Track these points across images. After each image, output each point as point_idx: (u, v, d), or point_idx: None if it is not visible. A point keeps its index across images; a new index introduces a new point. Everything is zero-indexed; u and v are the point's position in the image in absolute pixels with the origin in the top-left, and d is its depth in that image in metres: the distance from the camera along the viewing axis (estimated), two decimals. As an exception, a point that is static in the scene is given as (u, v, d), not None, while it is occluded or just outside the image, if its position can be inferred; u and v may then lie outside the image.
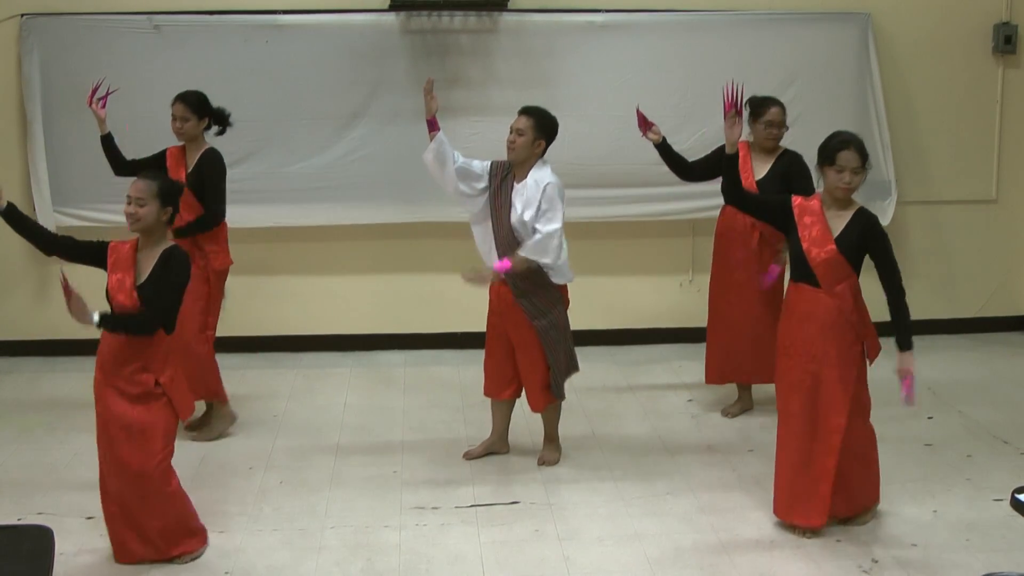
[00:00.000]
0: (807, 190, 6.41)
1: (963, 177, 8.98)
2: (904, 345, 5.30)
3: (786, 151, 6.97)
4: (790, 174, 6.83)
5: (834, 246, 5.28)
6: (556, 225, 5.95)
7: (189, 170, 6.61)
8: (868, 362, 5.48)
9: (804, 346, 5.36)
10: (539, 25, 8.28)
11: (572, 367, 6.43)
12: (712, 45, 8.39)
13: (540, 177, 6.04)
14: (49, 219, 8.08)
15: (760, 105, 6.93)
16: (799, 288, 5.40)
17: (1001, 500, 5.63)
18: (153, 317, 5.04)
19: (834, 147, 5.27)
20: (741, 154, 6.84)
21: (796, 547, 5.33)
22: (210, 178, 6.60)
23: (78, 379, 7.93)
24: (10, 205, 5.17)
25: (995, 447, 6.67)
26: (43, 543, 3.95)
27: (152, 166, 6.43)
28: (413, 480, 6.21)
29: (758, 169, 6.92)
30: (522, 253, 5.97)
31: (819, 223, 5.31)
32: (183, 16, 8.09)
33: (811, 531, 5.44)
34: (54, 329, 8.49)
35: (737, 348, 7.11)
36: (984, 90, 8.87)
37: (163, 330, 5.08)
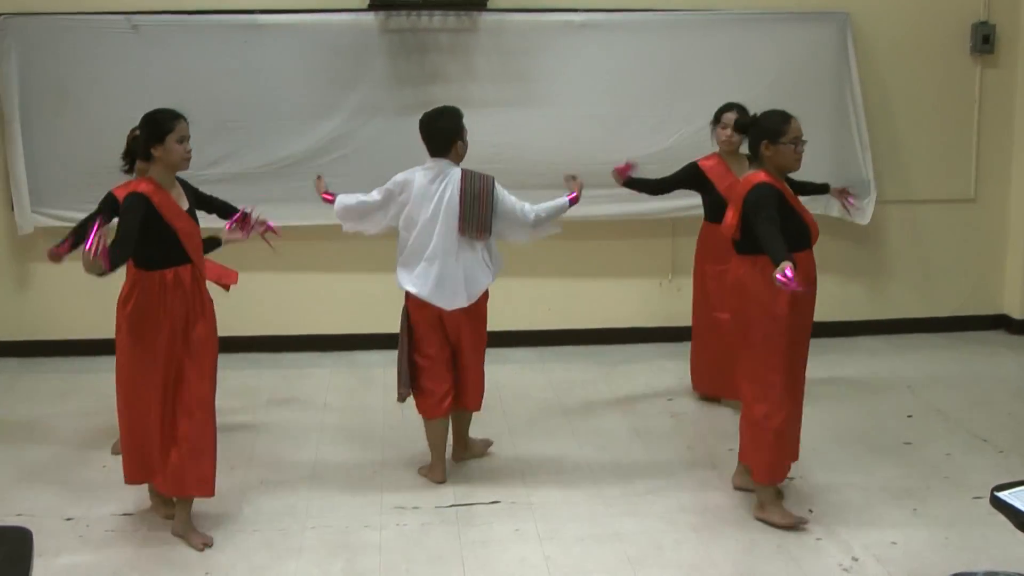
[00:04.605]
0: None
1: (942, 176, 9.02)
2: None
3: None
4: None
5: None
6: None
7: None
8: None
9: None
10: (518, 24, 8.27)
11: None
12: (690, 44, 8.41)
13: None
14: (28, 220, 8.06)
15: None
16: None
17: (980, 498, 5.65)
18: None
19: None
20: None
21: (776, 546, 5.34)
22: None
23: (57, 380, 7.95)
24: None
25: (974, 445, 6.69)
26: (22, 545, 3.92)
27: None
28: (393, 480, 6.20)
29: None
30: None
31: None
32: (161, 16, 8.05)
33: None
34: (33, 330, 8.48)
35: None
36: (962, 89, 8.91)
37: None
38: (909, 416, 7.20)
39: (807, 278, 5.26)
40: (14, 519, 5.54)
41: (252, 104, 8.15)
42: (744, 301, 5.44)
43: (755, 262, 5.33)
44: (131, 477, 5.48)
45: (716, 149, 7.09)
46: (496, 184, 5.97)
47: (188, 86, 7.89)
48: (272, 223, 5.90)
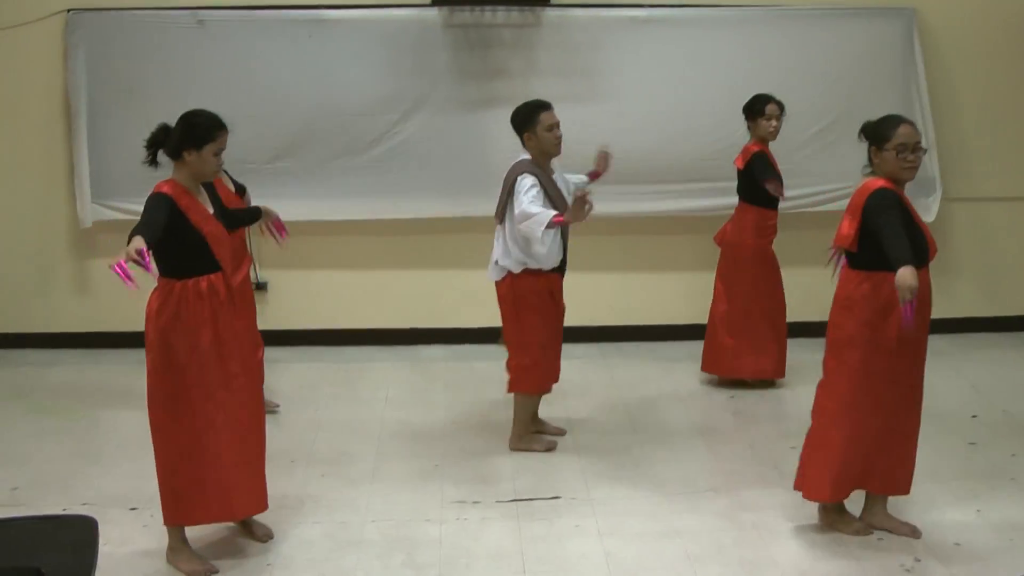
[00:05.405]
0: None
1: (1009, 174, 8.88)
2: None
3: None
4: None
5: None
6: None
7: None
8: None
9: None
10: (581, 20, 8.26)
11: None
12: (755, 40, 8.34)
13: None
14: (88, 213, 8.14)
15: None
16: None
17: (1046, 500, 5.61)
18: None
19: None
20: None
21: (837, 545, 5.30)
22: None
23: (120, 371, 8.02)
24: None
25: (1040, 446, 6.61)
26: (87, 534, 3.97)
27: None
28: (454, 474, 6.22)
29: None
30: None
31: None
32: (227, 11, 8.11)
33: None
34: (96, 322, 8.57)
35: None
36: (1031, 86, 8.78)
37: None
38: (974, 416, 7.12)
39: (923, 298, 4.99)
40: (80, 508, 5.62)
41: (316, 99, 8.18)
42: (849, 319, 5.12)
43: (869, 279, 5.03)
44: (177, 518, 5.16)
45: (750, 140, 7.36)
46: (525, 178, 6.04)
47: (253, 81, 7.95)
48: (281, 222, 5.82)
